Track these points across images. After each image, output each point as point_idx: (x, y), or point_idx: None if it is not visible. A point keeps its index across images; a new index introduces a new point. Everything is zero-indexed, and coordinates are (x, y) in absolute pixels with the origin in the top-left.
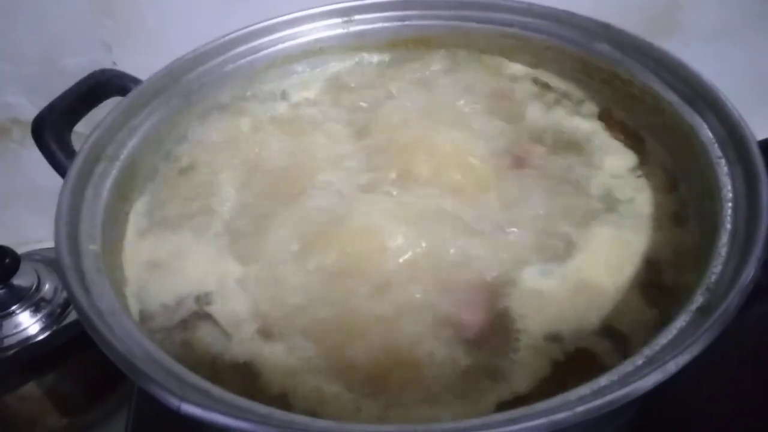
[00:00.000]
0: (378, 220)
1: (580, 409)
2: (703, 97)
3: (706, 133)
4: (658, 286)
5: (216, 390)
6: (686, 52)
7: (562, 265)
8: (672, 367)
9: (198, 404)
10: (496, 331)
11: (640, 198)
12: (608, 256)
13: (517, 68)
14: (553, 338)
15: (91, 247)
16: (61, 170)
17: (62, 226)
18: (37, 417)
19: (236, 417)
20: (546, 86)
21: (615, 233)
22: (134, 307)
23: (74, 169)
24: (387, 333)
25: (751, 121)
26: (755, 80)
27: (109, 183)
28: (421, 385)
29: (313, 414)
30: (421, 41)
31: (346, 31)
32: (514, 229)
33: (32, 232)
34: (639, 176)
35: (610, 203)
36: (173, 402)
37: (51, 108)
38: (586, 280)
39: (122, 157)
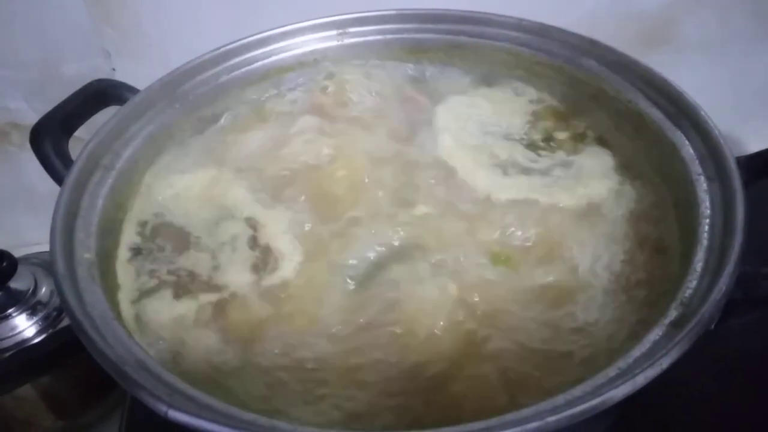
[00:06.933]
0: None
1: (551, 418)
2: (686, 115)
3: (688, 150)
4: None
5: (204, 397)
6: (678, 64)
7: None
8: (641, 379)
9: (185, 411)
10: None
11: None
12: None
13: None
14: None
15: (85, 255)
16: (58, 178)
17: (57, 235)
18: (33, 419)
19: (222, 424)
20: None
21: None
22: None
23: (70, 178)
24: None
25: (741, 134)
26: (746, 93)
27: (104, 192)
28: None
29: None
30: (414, 55)
31: (340, 43)
32: None
33: (30, 235)
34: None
35: None
36: (161, 408)
37: (48, 117)
38: None
39: (118, 166)
